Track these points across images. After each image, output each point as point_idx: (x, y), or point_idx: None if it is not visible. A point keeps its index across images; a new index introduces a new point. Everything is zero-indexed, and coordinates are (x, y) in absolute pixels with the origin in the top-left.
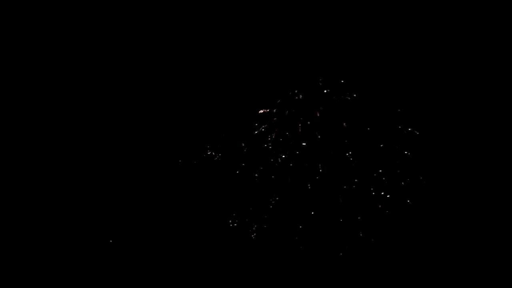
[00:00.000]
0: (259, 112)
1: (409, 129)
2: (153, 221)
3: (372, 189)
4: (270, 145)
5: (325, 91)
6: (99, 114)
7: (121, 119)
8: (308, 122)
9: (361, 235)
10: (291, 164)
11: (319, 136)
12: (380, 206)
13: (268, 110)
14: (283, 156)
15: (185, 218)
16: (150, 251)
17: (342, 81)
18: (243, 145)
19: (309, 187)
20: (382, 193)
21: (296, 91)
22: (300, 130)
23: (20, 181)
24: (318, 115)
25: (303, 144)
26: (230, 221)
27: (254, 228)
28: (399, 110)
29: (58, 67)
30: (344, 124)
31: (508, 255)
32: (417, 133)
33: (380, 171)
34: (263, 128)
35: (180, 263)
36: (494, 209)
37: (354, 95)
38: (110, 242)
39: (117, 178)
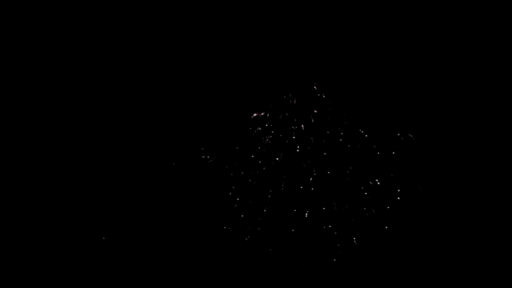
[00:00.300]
0: (252, 116)
1: (408, 134)
2: (146, 224)
3: (366, 194)
4: (264, 148)
5: (319, 95)
6: (91, 117)
7: (114, 123)
8: (302, 126)
9: (355, 240)
10: (284, 168)
11: (313, 141)
12: (374, 212)
13: (262, 114)
14: (277, 159)
15: (179, 220)
16: (143, 254)
17: (337, 85)
18: (237, 148)
19: (303, 191)
20: (377, 198)
21: (290, 95)
22: (294, 135)
23: (20, 181)
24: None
25: (297, 149)
26: (224, 222)
27: (247, 231)
28: (394, 114)
29: (57, 67)
30: (339, 128)
31: (506, 262)
32: (413, 138)
33: (375, 175)
34: (256, 131)
35: (175, 265)
36: (491, 215)
37: (349, 100)
38: (103, 240)
39: (110, 181)
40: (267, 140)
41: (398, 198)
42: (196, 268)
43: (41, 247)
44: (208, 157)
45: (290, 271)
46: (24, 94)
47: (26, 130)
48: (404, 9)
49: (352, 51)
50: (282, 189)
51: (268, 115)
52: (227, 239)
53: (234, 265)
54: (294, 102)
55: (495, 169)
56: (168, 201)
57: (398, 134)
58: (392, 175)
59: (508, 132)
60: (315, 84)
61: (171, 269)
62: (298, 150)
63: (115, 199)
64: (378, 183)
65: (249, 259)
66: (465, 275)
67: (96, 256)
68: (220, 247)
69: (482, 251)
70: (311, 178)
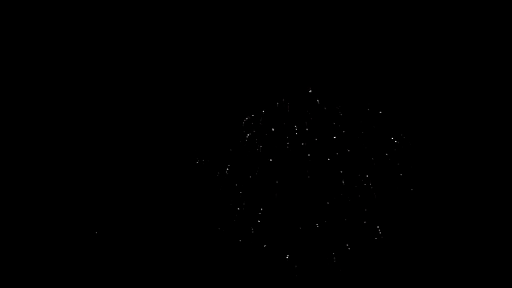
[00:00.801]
0: (244, 120)
1: (404, 138)
2: (141, 228)
3: (362, 198)
4: (258, 150)
5: (315, 100)
6: (83, 119)
7: (102, 124)
8: (296, 128)
9: (348, 246)
10: (278, 172)
11: (307, 146)
12: (370, 217)
13: (254, 117)
14: (271, 160)
15: (173, 223)
16: (138, 261)
17: (333, 89)
18: (230, 150)
19: (297, 195)
20: (373, 204)
21: (283, 100)
22: (287, 139)
23: (20, 181)
24: None
25: (291, 153)
26: (217, 224)
27: (241, 232)
28: (392, 119)
29: (57, 67)
30: (335, 137)
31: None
32: (411, 144)
33: (371, 180)
34: (249, 134)
35: (169, 267)
36: (490, 220)
37: (346, 105)
38: (96, 237)
39: (102, 182)
40: (259, 145)
41: (395, 202)
42: (191, 269)
43: (40, 247)
44: (202, 160)
45: (284, 274)
46: (24, 94)
47: (26, 130)
48: (401, 12)
49: (349, 54)
50: (276, 192)
51: (260, 119)
52: (220, 240)
53: (229, 266)
54: (288, 107)
55: (495, 174)
56: (161, 203)
57: (396, 141)
58: (388, 180)
59: (508, 136)
60: (310, 88)
61: (166, 270)
62: (292, 155)
63: (107, 201)
64: (374, 187)
65: (243, 260)
66: (463, 279)
67: (92, 256)
68: (214, 249)
69: (480, 257)
70: (305, 183)
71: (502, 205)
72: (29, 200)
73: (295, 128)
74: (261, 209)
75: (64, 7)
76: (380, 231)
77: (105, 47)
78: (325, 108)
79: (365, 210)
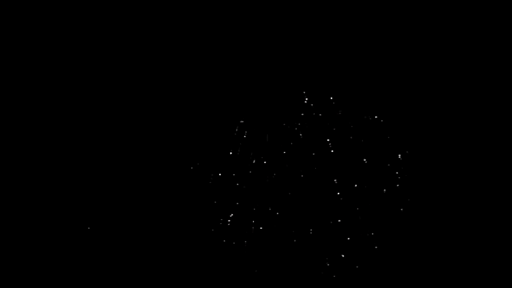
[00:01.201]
0: (239, 123)
1: (403, 145)
2: (136, 233)
3: (356, 204)
4: (251, 154)
5: (309, 105)
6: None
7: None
8: (289, 127)
9: (342, 255)
10: (272, 177)
11: (302, 152)
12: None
13: (246, 121)
14: (265, 161)
15: (170, 226)
16: (132, 267)
17: (329, 94)
18: (224, 154)
19: (290, 199)
20: (368, 211)
21: (279, 102)
22: (282, 145)
23: (20, 181)
24: None
25: (286, 158)
26: (211, 226)
27: (235, 234)
28: (389, 126)
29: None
30: (330, 145)
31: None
32: (407, 151)
33: (366, 186)
34: (244, 136)
35: (165, 272)
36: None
37: (340, 113)
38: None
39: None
40: (253, 150)
41: (389, 208)
42: (184, 270)
43: (40, 246)
44: (198, 164)
45: (276, 278)
46: (24, 94)
47: (25, 130)
48: (398, 15)
49: (346, 57)
50: (269, 197)
51: (256, 122)
52: (214, 242)
53: (222, 269)
54: (283, 110)
55: (495, 180)
56: (154, 208)
57: (391, 145)
58: (383, 186)
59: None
60: (305, 93)
61: (161, 271)
62: (287, 160)
63: (99, 203)
64: (369, 194)
65: (236, 263)
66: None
67: (85, 254)
68: (207, 251)
69: (479, 262)
70: (298, 187)
71: (501, 212)
72: (26, 198)
73: (288, 127)
74: (255, 212)
75: (64, 7)
76: (373, 236)
77: (96, 49)
78: (320, 115)
79: (359, 217)
